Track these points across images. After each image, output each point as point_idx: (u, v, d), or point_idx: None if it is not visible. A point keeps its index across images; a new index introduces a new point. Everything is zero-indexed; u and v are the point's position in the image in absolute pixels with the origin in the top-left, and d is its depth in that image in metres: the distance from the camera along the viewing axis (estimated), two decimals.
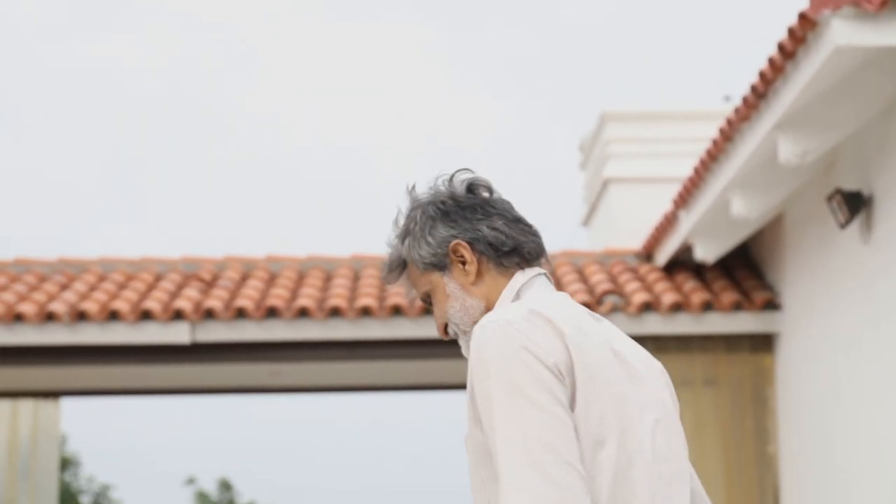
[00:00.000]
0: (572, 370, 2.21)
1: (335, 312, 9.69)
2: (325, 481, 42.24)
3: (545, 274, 2.45)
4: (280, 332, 9.71)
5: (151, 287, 10.27)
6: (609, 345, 2.30)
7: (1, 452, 10.69)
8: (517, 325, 2.23)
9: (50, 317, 9.53)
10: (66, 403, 11.72)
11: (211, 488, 28.18)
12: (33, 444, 11.05)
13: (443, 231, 2.44)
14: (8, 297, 9.79)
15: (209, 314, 9.65)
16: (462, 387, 11.73)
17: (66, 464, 24.69)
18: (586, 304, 9.62)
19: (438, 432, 47.87)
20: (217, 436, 46.77)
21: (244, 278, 10.56)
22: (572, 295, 9.81)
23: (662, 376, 2.43)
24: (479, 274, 2.44)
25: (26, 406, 11.07)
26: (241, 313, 9.67)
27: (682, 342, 9.81)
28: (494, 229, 2.42)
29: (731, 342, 9.80)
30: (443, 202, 2.46)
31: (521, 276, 2.43)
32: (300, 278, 10.59)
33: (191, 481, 28.07)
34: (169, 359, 9.91)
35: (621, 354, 2.32)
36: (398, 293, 10.01)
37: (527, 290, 2.41)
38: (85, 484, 26.50)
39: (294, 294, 10.11)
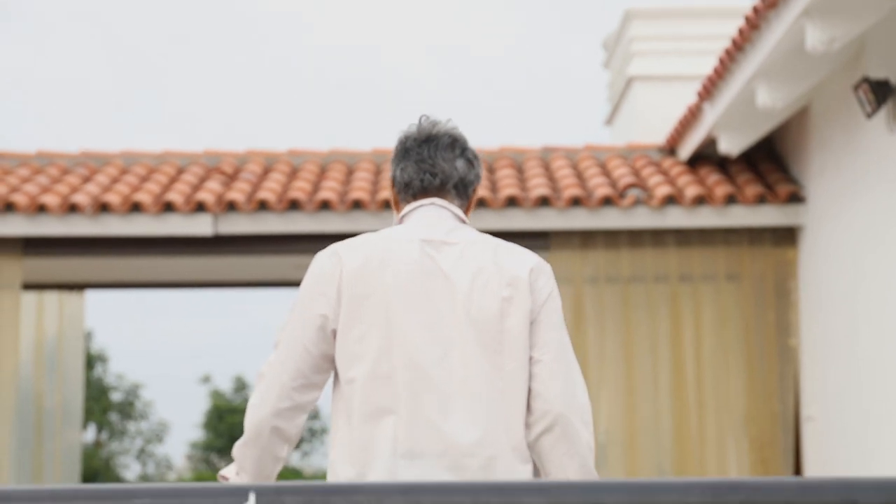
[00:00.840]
0: (340, 294, 2.81)
1: (357, 205, 9.68)
2: None
3: (434, 204, 2.92)
4: (302, 224, 9.72)
5: (174, 180, 10.28)
6: (412, 272, 2.82)
7: (28, 346, 10.79)
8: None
9: (73, 208, 9.56)
10: (92, 296, 11.82)
11: (226, 387, 28.47)
12: (59, 337, 11.15)
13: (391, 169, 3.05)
14: (31, 188, 9.82)
15: (231, 206, 9.66)
16: None
17: (93, 360, 24.96)
18: (609, 198, 9.59)
19: None
20: (232, 333, 47.11)
21: (266, 172, 10.55)
22: (594, 188, 9.77)
23: (490, 292, 2.84)
24: (396, 204, 3.04)
25: (52, 299, 11.16)
26: (263, 206, 9.67)
27: (704, 236, 9.79)
28: (402, 171, 2.99)
29: (754, 235, 9.77)
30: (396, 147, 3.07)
31: (407, 207, 2.97)
32: (322, 172, 10.58)
33: (206, 380, 28.34)
34: (191, 251, 9.94)
35: (430, 278, 2.82)
36: None
37: (407, 218, 2.95)
38: (115, 381, 26.82)
39: (316, 187, 10.11)
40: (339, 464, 2.66)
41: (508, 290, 2.85)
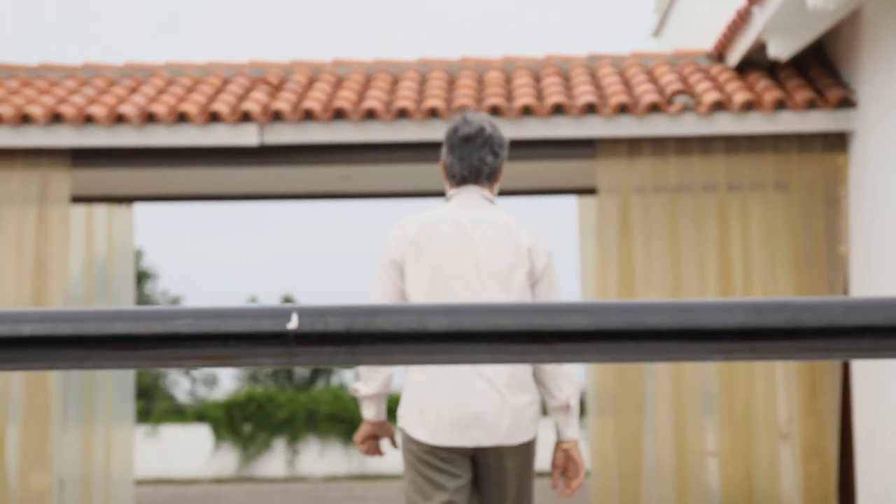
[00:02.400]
0: (404, 251, 4.04)
1: (403, 114, 9.65)
2: None
3: (471, 190, 4.06)
4: (348, 133, 9.71)
5: (219, 91, 10.29)
6: (452, 239, 4.02)
7: (77, 261, 10.89)
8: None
9: (120, 119, 9.60)
10: (140, 213, 11.90)
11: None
12: (109, 252, 11.26)
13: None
14: (78, 100, 9.86)
15: (277, 116, 9.66)
16: (530, 192, 11.72)
17: (142, 278, 25.20)
18: (656, 105, 9.50)
19: None
20: (281, 248, 47.28)
21: (311, 82, 10.53)
22: (641, 95, 9.68)
23: (509, 246, 4.05)
24: (446, 180, 4.15)
25: (100, 212, 11.25)
26: (308, 115, 9.67)
27: (753, 142, 9.69)
28: (449, 162, 4.10)
29: (804, 141, 9.66)
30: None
31: (451, 191, 4.12)
32: (367, 82, 10.54)
33: (253, 300, 28.42)
34: (238, 161, 9.97)
35: (463, 244, 4.02)
36: (466, 94, 9.95)
37: (452, 198, 4.10)
38: (161, 298, 27.08)
39: (361, 96, 10.08)
40: (410, 389, 4.03)
41: (514, 257, 4.02)
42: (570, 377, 3.95)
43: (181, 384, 26.12)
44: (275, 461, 19.13)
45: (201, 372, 26.81)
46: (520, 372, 3.87)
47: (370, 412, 4.07)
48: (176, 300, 27.09)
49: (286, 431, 19.16)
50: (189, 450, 19.13)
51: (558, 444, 4.03)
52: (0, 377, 9.57)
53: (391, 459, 18.94)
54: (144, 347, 1.30)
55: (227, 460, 19.13)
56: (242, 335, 1.31)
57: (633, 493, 9.36)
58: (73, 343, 1.29)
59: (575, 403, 3.97)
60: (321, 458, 19.08)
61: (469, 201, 4.03)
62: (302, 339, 1.31)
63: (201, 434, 19.36)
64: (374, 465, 19.04)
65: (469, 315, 1.32)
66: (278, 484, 17.76)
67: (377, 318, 1.32)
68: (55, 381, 9.68)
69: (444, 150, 4.08)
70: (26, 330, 1.28)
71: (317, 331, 1.31)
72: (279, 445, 19.20)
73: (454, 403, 3.84)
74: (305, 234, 48.01)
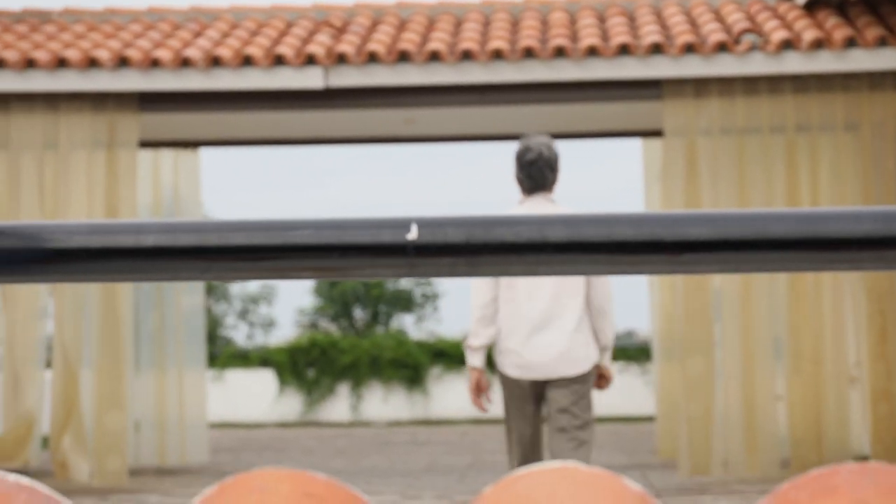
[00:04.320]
0: None
1: (467, 55, 9.60)
2: None
3: (538, 198, 5.18)
4: (412, 76, 9.68)
5: (283, 34, 10.28)
6: None
7: (144, 205, 10.98)
8: None
9: (186, 62, 9.62)
10: (205, 156, 11.95)
11: None
12: (175, 196, 11.34)
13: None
14: (144, 44, 9.89)
15: (341, 59, 9.64)
16: (593, 134, 11.64)
17: None
18: (723, 44, 9.38)
19: (576, 179, 47.89)
20: (341, 194, 47.36)
21: (374, 24, 10.49)
22: (708, 34, 9.56)
23: None
24: (521, 194, 5.26)
25: (167, 156, 11.33)
26: (373, 58, 9.64)
27: (823, 81, 9.55)
28: (520, 177, 5.22)
29: (874, 80, 9.50)
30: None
31: (523, 198, 5.23)
32: (430, 23, 10.49)
33: None
34: (302, 105, 9.98)
35: None
36: (530, 35, 9.87)
37: (523, 205, 5.22)
38: None
39: (425, 38, 10.03)
40: (503, 338, 5.13)
41: None
42: (612, 325, 5.16)
43: (240, 329, 26.35)
44: (338, 406, 19.29)
45: (259, 317, 27.03)
46: (581, 319, 5.09)
47: (477, 360, 5.15)
48: None
49: (349, 376, 19.30)
50: (254, 394, 19.33)
51: (599, 367, 5.23)
52: (73, 320, 9.69)
53: (454, 405, 19.03)
54: (265, 258, 1.30)
55: (291, 405, 19.32)
56: (362, 246, 1.30)
57: (701, 437, 9.34)
58: (194, 254, 1.29)
59: (611, 344, 5.20)
60: (385, 402, 19.21)
61: (537, 204, 5.16)
62: (421, 250, 1.30)
63: (266, 379, 19.54)
64: (438, 410, 19.14)
65: (589, 225, 1.31)
66: (342, 429, 17.91)
67: (497, 229, 1.31)
68: (128, 323, 9.79)
69: (515, 168, 5.24)
70: (149, 241, 1.28)
71: (436, 242, 1.30)
72: (342, 390, 19.35)
73: (531, 344, 5.07)
74: (367, 180, 48.07)
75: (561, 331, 5.09)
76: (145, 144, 10.61)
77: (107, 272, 1.30)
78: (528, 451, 5.16)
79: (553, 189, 5.26)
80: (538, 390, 5.12)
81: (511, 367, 5.10)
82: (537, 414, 5.17)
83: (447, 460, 11.63)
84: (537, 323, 5.08)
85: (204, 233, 1.30)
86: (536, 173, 5.17)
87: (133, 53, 9.59)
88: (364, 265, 1.33)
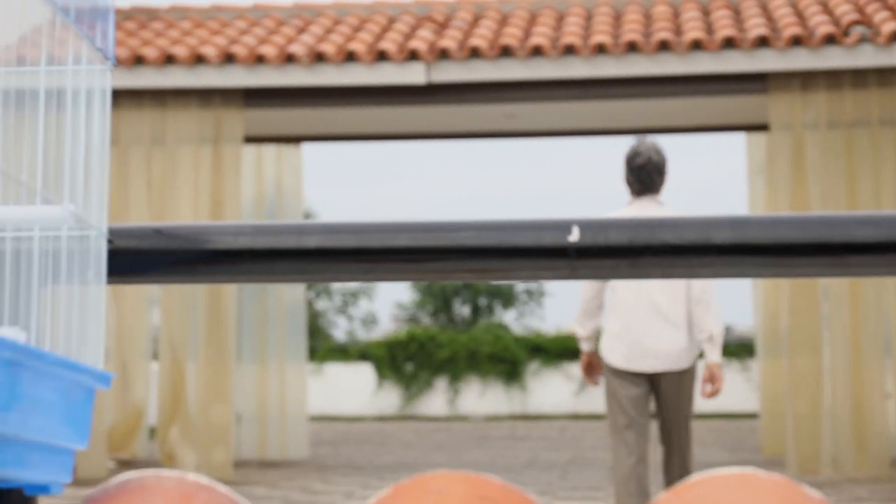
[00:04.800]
0: None
1: (570, 50, 9.55)
2: None
3: (646, 199, 5.40)
4: (514, 71, 9.66)
5: (386, 29, 10.32)
6: None
7: (248, 199, 11.09)
8: None
9: (290, 59, 9.70)
10: (307, 149, 12.01)
11: None
12: (278, 190, 11.44)
13: None
14: (249, 40, 10.00)
15: (444, 54, 9.65)
16: (696, 129, 11.51)
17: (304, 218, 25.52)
18: (831, 36, 9.23)
19: (676, 173, 47.44)
20: (446, 186, 47.42)
21: (476, 19, 10.49)
22: (816, 27, 9.40)
23: None
24: (630, 195, 5.47)
25: (270, 152, 11.43)
26: (475, 53, 9.64)
27: None
28: (630, 180, 5.45)
29: None
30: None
31: (632, 199, 5.44)
32: (532, 18, 10.46)
33: None
34: (405, 100, 10.00)
35: None
36: (633, 29, 9.80)
37: (632, 206, 5.42)
38: None
39: (527, 33, 10.01)
40: (609, 324, 5.43)
41: None
42: (716, 318, 5.29)
43: (339, 323, 26.52)
44: (436, 400, 19.33)
45: (359, 312, 27.18)
46: (686, 313, 5.31)
47: (586, 345, 5.53)
48: None
49: (447, 371, 19.33)
50: (352, 388, 19.45)
51: (707, 364, 5.31)
52: (180, 312, 9.82)
53: (552, 400, 18.98)
54: (427, 260, 1.30)
55: (389, 399, 19.41)
56: (524, 249, 1.30)
57: (809, 436, 9.20)
58: (356, 256, 1.29)
59: (718, 336, 5.27)
60: (482, 397, 19.22)
61: (645, 206, 5.40)
62: (583, 252, 1.30)
63: (364, 373, 19.65)
64: (536, 405, 19.10)
65: (754, 228, 1.29)
66: (440, 423, 17.96)
67: (660, 231, 1.29)
68: (232, 316, 9.90)
69: (624, 171, 5.46)
70: (312, 242, 1.29)
71: (598, 244, 1.29)
72: (440, 385, 19.39)
73: (638, 339, 5.32)
74: (467, 175, 48.07)
75: (666, 325, 5.33)
76: (249, 140, 10.72)
77: (270, 273, 1.31)
78: (634, 444, 5.34)
79: (660, 191, 5.49)
80: (644, 382, 5.37)
81: (618, 359, 5.38)
82: (643, 406, 5.39)
83: (547, 456, 11.60)
84: (643, 317, 5.34)
85: (366, 234, 1.30)
86: (645, 177, 5.42)
87: (238, 50, 9.70)
88: (525, 267, 1.32)
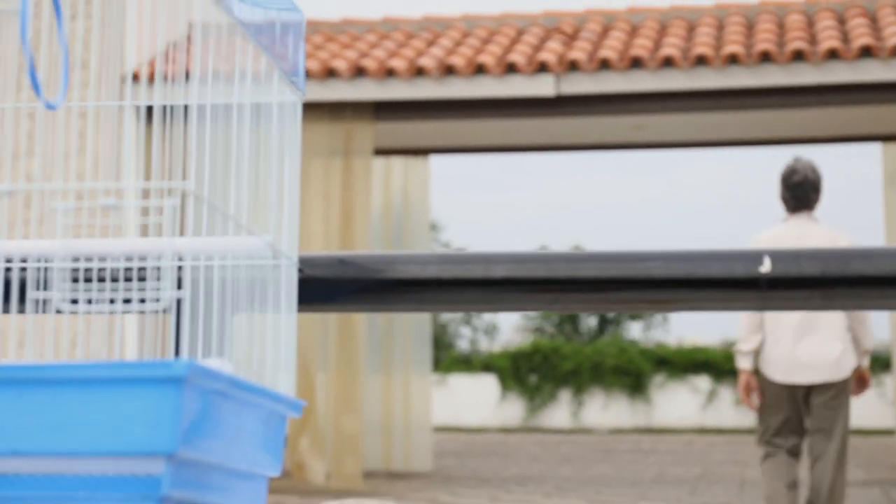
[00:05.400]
0: None
1: (701, 61, 9.45)
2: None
3: (802, 216, 5.61)
4: (644, 82, 9.58)
5: (515, 41, 10.32)
6: (792, 245, 5.28)
7: (376, 212, 11.18)
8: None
9: (420, 71, 9.76)
10: (434, 161, 12.06)
11: None
12: (405, 202, 11.51)
13: None
14: (379, 53, 10.08)
15: (573, 66, 9.62)
16: (831, 139, 11.30)
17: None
18: None
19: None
20: (570, 198, 47.25)
21: (605, 31, 10.43)
22: None
23: None
24: (786, 212, 5.68)
25: (398, 164, 11.51)
26: (604, 64, 9.59)
27: None
28: (785, 197, 5.64)
29: None
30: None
31: (787, 216, 5.64)
32: (662, 29, 10.37)
33: (543, 248, 28.43)
34: (533, 112, 9.99)
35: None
36: (766, 39, 9.65)
37: (787, 222, 5.62)
38: (443, 249, 27.53)
39: (657, 44, 9.92)
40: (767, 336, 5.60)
41: None
42: (870, 330, 5.54)
43: (464, 334, 26.56)
44: (560, 412, 19.25)
45: (482, 321, 27.20)
46: (842, 327, 5.49)
47: (746, 363, 5.64)
48: (459, 251, 27.43)
49: (571, 383, 19.25)
50: (476, 399, 19.47)
51: (858, 369, 5.62)
52: (311, 324, 9.93)
53: (677, 413, 18.77)
54: (613, 290, 1.29)
55: (513, 410, 19.38)
56: (713, 280, 1.28)
57: None
58: (543, 286, 1.29)
59: (871, 348, 5.59)
60: (606, 409, 19.09)
61: (801, 223, 5.62)
62: (775, 283, 1.27)
63: (488, 384, 19.66)
64: (661, 418, 18.92)
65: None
66: (564, 435, 17.88)
67: (853, 262, 1.26)
68: (362, 328, 9.99)
69: (780, 188, 5.68)
70: (498, 272, 1.29)
71: (790, 275, 1.27)
72: (564, 396, 19.31)
73: (794, 350, 5.51)
74: (594, 185, 47.84)
75: (824, 338, 5.55)
76: (378, 152, 10.80)
77: (457, 303, 1.31)
78: (786, 467, 5.56)
79: (815, 208, 5.71)
80: (801, 394, 5.58)
81: (777, 372, 5.58)
82: (799, 418, 5.60)
83: (675, 471, 11.47)
84: (802, 330, 5.54)
85: (553, 264, 1.30)
86: (801, 194, 5.65)
87: (369, 63, 9.78)
88: (714, 298, 1.30)
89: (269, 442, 1.16)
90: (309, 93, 9.85)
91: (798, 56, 9.32)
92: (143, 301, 0.98)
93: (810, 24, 10.08)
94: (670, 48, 9.60)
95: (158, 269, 1.08)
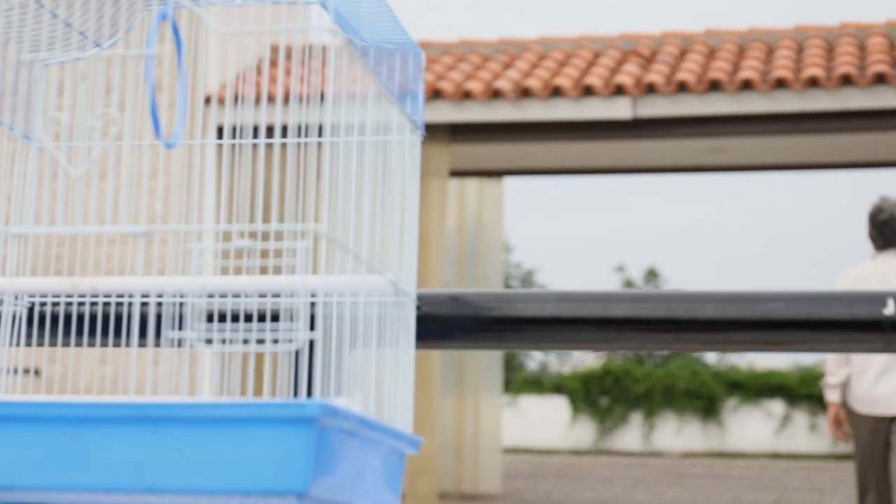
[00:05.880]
0: None
1: (780, 84, 9.38)
2: (757, 273, 41.40)
3: (887, 253, 5.74)
4: (722, 105, 9.52)
5: (591, 64, 10.31)
6: (877, 281, 5.64)
7: (450, 233, 11.19)
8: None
9: (496, 94, 9.77)
10: (509, 183, 12.06)
11: (637, 276, 28.29)
12: (479, 224, 11.52)
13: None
14: (455, 76, 10.11)
15: (650, 89, 9.58)
16: None
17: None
18: None
19: None
20: (646, 220, 47.03)
21: (683, 53, 10.39)
22: None
23: None
24: (874, 249, 5.85)
25: (472, 185, 11.53)
26: (682, 87, 9.54)
27: None
28: (873, 234, 5.80)
29: None
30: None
31: (876, 253, 5.81)
32: (741, 52, 10.31)
33: (619, 269, 28.14)
34: (609, 135, 9.96)
35: (886, 283, 5.59)
36: (847, 62, 9.56)
37: (875, 259, 5.79)
38: (515, 271, 27.50)
39: (736, 67, 9.86)
40: (853, 378, 5.79)
41: None
42: None
43: (534, 355, 26.47)
44: (631, 435, 19.13)
45: None
46: None
47: (834, 396, 5.80)
48: (529, 273, 27.45)
49: (643, 405, 19.12)
50: (546, 421, 19.40)
51: None
52: None
53: (751, 437, 18.57)
54: (733, 330, 1.28)
55: (583, 432, 19.29)
56: (836, 321, 1.27)
57: None
58: (661, 325, 1.29)
59: None
60: (678, 433, 18.93)
61: (889, 259, 5.75)
62: None
63: (558, 405, 19.59)
64: (734, 442, 18.73)
65: None
66: (635, 458, 17.76)
67: None
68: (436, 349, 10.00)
69: (868, 226, 5.80)
70: (617, 311, 1.29)
71: None
72: (635, 419, 19.19)
73: (876, 382, 5.64)
74: (669, 208, 47.61)
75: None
76: (453, 173, 10.82)
77: (575, 341, 1.31)
78: (877, 484, 5.71)
79: None
80: (886, 426, 5.71)
81: (860, 404, 5.74)
82: (885, 449, 5.72)
83: (750, 496, 11.35)
84: (885, 364, 5.64)
85: (672, 304, 1.29)
86: (889, 232, 5.79)
87: (445, 86, 9.81)
88: (836, 339, 1.29)
89: (389, 479, 1.16)
90: None
91: (880, 79, 9.21)
92: (276, 342, 1.00)
93: (892, 46, 9.97)
94: (749, 71, 9.54)
95: (292, 309, 1.09)
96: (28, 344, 1.29)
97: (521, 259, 29.29)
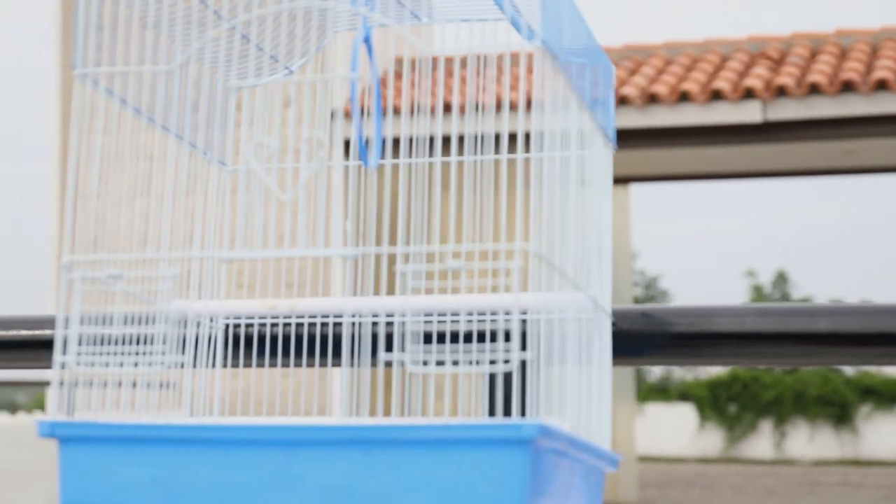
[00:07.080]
0: None
1: None
2: (893, 279, 40.33)
3: None
4: (856, 106, 9.32)
5: (719, 68, 10.17)
6: None
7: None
8: None
9: (622, 100, 9.70)
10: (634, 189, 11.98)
11: (766, 281, 27.80)
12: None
13: None
14: None
15: (781, 91, 9.42)
16: None
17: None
18: None
19: None
20: (776, 224, 46.19)
21: (813, 55, 10.20)
22: None
23: None
24: None
25: None
26: (814, 89, 9.36)
27: None
28: None
29: None
30: None
31: None
32: (874, 51, 10.08)
33: (750, 274, 27.65)
34: (739, 139, 9.81)
35: None
36: None
37: None
38: (637, 277, 27.27)
39: (869, 67, 9.65)
40: None
41: None
42: None
43: None
44: (761, 443, 18.82)
45: None
46: None
47: None
48: (654, 280, 27.20)
49: (772, 413, 18.80)
50: (674, 429, 19.19)
51: None
52: None
53: (887, 445, 18.14)
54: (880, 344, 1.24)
55: (712, 440, 19.04)
56: None
57: None
58: (868, 340, 1.25)
59: None
60: (810, 441, 18.58)
61: None
62: None
63: (686, 413, 19.36)
64: (869, 450, 18.31)
65: None
66: (765, 466, 17.46)
67: None
68: None
69: None
70: (821, 326, 1.25)
71: None
72: (765, 427, 18.88)
73: None
74: (798, 212, 46.79)
75: None
76: None
77: (776, 357, 1.28)
78: None
79: None
80: None
81: None
82: None
83: None
84: None
85: (879, 317, 1.26)
86: None
87: None
88: None
89: (590, 498, 1.15)
90: None
91: None
92: (493, 363, 0.99)
93: None
94: (883, 70, 9.32)
95: (507, 330, 1.08)
96: (224, 365, 1.30)
97: (644, 266, 29.02)
